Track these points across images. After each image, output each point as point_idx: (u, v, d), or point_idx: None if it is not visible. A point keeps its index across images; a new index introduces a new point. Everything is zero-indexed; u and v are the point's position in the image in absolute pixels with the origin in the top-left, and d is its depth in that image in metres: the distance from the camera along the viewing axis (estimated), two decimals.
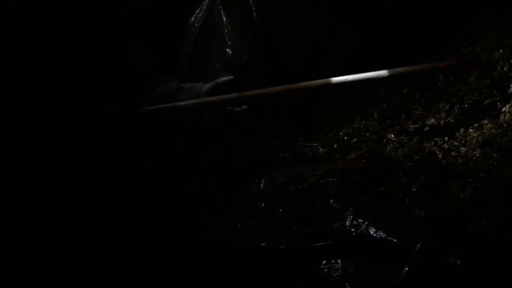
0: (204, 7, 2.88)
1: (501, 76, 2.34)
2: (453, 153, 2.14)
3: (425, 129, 2.35)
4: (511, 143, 2.00)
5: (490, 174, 1.94)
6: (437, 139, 2.26)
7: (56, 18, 2.54)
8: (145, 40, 2.74)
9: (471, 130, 2.23)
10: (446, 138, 2.25)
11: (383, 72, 2.36)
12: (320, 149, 2.54)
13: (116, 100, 2.58)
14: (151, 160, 2.49)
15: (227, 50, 2.80)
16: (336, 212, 2.00)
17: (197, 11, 2.89)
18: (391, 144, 2.31)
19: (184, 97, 2.55)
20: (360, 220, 1.91)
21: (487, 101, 2.30)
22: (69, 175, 2.36)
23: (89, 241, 2.10)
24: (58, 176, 2.35)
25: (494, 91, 2.31)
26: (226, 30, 2.81)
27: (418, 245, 1.75)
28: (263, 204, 2.21)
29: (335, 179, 2.21)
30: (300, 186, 2.26)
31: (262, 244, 1.98)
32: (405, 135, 2.37)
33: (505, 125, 2.11)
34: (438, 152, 2.17)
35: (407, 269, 1.72)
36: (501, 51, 2.42)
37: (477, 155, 2.07)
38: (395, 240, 1.80)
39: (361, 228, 1.89)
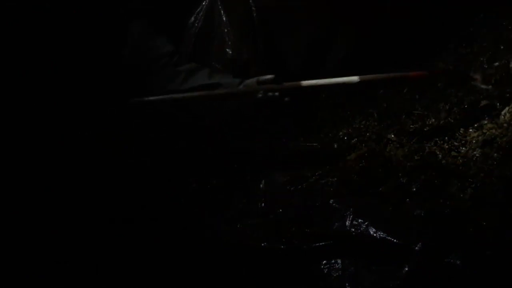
0: (204, 7, 2.88)
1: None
2: (453, 153, 2.14)
3: (425, 129, 2.35)
4: (511, 143, 2.00)
5: (490, 174, 1.94)
6: (437, 139, 2.26)
7: (56, 18, 2.54)
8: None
9: (471, 130, 2.23)
10: (446, 138, 2.25)
11: (354, 78, 2.39)
12: (320, 149, 2.54)
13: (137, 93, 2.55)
14: (151, 160, 2.49)
15: (227, 50, 2.80)
16: (336, 212, 2.00)
17: (197, 11, 2.89)
18: (391, 144, 2.31)
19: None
20: (360, 220, 1.91)
21: (486, 102, 2.30)
22: (69, 175, 2.36)
23: (89, 241, 2.10)
24: (58, 176, 2.35)
25: (494, 92, 2.31)
26: (226, 30, 2.80)
27: (418, 245, 1.75)
28: (263, 204, 2.21)
29: (335, 179, 2.21)
30: (300, 186, 2.26)
31: (262, 244, 1.98)
32: (405, 135, 2.36)
33: (505, 125, 2.11)
34: (438, 152, 2.17)
35: (407, 269, 1.72)
36: (501, 50, 2.42)
37: (477, 155, 2.07)
38: (395, 240, 1.81)
39: (361, 228, 1.89)
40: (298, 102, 2.66)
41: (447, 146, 2.20)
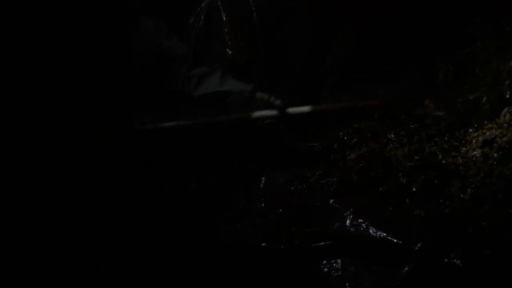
0: (204, 7, 2.88)
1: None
2: (453, 153, 2.14)
3: (425, 129, 2.35)
4: (511, 143, 2.00)
5: (490, 174, 1.94)
6: (437, 139, 2.26)
7: (56, 18, 2.54)
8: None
9: (471, 130, 2.23)
10: (446, 138, 2.25)
11: (305, 108, 2.41)
12: (320, 149, 2.54)
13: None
14: (152, 160, 2.49)
15: (227, 50, 2.80)
16: (336, 212, 2.01)
17: (197, 11, 2.90)
18: (391, 144, 2.31)
19: (234, 105, 2.53)
20: (360, 220, 1.91)
21: (486, 101, 2.30)
22: (69, 175, 2.36)
23: (89, 241, 2.10)
24: (58, 176, 2.35)
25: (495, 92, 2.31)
26: (226, 30, 2.81)
27: (418, 245, 1.75)
28: (263, 204, 2.22)
29: (335, 179, 2.22)
30: (300, 186, 2.26)
31: (262, 244, 1.98)
32: (405, 135, 2.36)
33: (505, 125, 2.11)
34: (438, 152, 2.17)
35: (407, 269, 1.72)
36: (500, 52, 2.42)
37: (477, 155, 2.07)
38: (395, 240, 1.81)
39: (361, 228, 1.89)
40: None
41: (447, 146, 2.20)
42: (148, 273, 1.98)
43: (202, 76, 2.55)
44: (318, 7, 2.87)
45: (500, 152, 2.01)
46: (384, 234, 1.84)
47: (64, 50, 2.53)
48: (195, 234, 2.12)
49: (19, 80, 2.49)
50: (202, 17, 2.86)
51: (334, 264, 1.85)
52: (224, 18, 2.82)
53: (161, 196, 2.33)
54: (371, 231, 1.87)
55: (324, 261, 1.87)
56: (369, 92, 2.64)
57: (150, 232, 2.13)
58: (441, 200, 1.93)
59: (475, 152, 2.09)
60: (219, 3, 2.84)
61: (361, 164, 2.23)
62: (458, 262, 1.68)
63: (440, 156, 2.15)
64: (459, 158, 2.10)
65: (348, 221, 1.93)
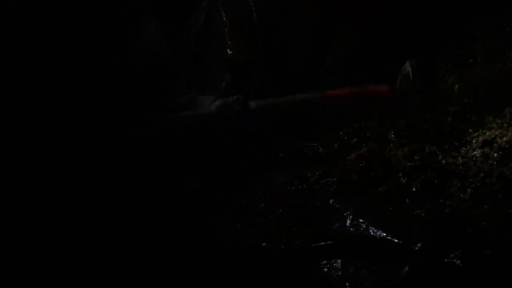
0: (204, 7, 2.88)
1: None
2: (453, 153, 2.14)
3: (425, 129, 2.35)
4: (511, 143, 2.00)
5: (490, 174, 1.94)
6: (437, 139, 2.26)
7: (56, 18, 2.54)
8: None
9: (471, 130, 2.23)
10: (446, 138, 2.25)
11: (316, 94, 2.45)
12: (320, 149, 2.54)
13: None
14: (152, 160, 2.49)
15: (227, 50, 2.80)
16: (336, 212, 2.00)
17: (197, 11, 2.90)
18: (391, 144, 2.31)
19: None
20: (360, 220, 1.91)
21: (487, 101, 2.30)
22: (69, 175, 2.36)
23: (89, 241, 2.10)
24: (58, 176, 2.35)
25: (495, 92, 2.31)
26: (226, 30, 2.81)
27: (418, 245, 1.75)
28: (263, 204, 2.21)
29: (335, 179, 2.21)
30: (300, 186, 2.26)
31: (262, 244, 1.98)
32: (405, 135, 2.36)
33: (505, 125, 2.11)
34: (438, 152, 2.17)
35: (407, 269, 1.72)
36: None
37: (477, 155, 2.06)
38: (395, 240, 1.81)
39: (361, 228, 1.89)
40: None
41: (447, 146, 2.20)
42: (148, 273, 1.98)
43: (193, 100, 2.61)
44: (318, 7, 2.87)
45: (500, 152, 2.01)
46: (384, 234, 1.84)
47: (63, 50, 2.53)
48: (195, 234, 2.12)
49: (19, 80, 2.49)
50: (202, 17, 2.86)
51: (334, 264, 1.85)
52: (224, 18, 2.82)
53: (161, 196, 2.33)
54: (371, 231, 1.86)
55: (324, 261, 1.87)
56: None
57: (150, 232, 2.13)
58: (441, 200, 1.92)
59: (475, 152, 2.09)
60: (219, 3, 2.84)
61: (361, 164, 2.22)
62: (458, 262, 1.68)
63: (440, 156, 2.15)
64: (459, 158, 2.10)
65: (348, 221, 1.93)
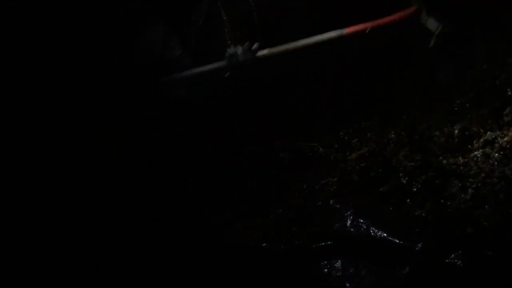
0: (205, 7, 2.88)
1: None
2: (453, 153, 2.14)
3: (425, 129, 2.35)
4: (511, 143, 2.00)
5: (490, 174, 1.94)
6: (437, 139, 2.25)
7: (56, 18, 2.54)
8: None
9: (471, 130, 2.22)
10: (447, 138, 2.24)
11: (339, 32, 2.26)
12: (320, 149, 2.54)
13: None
14: (151, 160, 2.49)
15: (227, 49, 2.80)
16: (336, 212, 2.00)
17: (197, 11, 2.90)
18: (392, 144, 2.31)
19: None
20: (360, 220, 1.91)
21: (487, 101, 2.29)
22: (69, 175, 2.36)
23: (89, 241, 2.10)
24: (58, 176, 2.35)
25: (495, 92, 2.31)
26: (226, 30, 2.81)
27: (418, 245, 1.75)
28: (263, 204, 2.21)
29: (335, 179, 2.21)
30: (300, 186, 2.26)
31: (262, 244, 1.98)
32: (405, 135, 2.36)
33: (506, 125, 2.11)
34: (438, 152, 2.16)
35: (407, 269, 1.72)
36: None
37: (478, 155, 2.06)
38: (395, 240, 1.80)
39: (361, 228, 1.89)
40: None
41: (447, 146, 2.19)
42: (148, 273, 1.98)
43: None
44: (318, 7, 2.87)
45: (501, 152, 2.01)
46: (385, 234, 1.84)
47: (63, 50, 2.53)
48: (195, 234, 2.12)
49: (19, 80, 2.49)
50: (203, 17, 2.86)
51: (334, 264, 1.85)
52: (224, 18, 2.82)
53: (161, 196, 2.33)
54: (371, 231, 1.86)
55: (324, 261, 1.87)
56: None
57: (150, 232, 2.13)
58: (441, 200, 1.92)
59: (476, 152, 2.08)
60: (219, 3, 2.84)
61: (361, 164, 2.22)
62: (458, 262, 1.68)
63: (440, 156, 2.14)
64: (459, 158, 2.10)
65: (348, 221, 1.93)
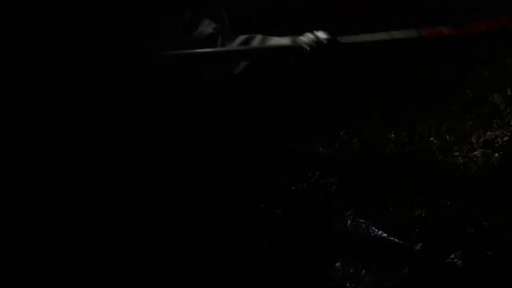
0: (205, 7, 2.88)
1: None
2: (453, 153, 2.14)
3: (425, 129, 2.35)
4: (511, 143, 2.00)
5: (491, 174, 1.94)
6: (437, 139, 2.26)
7: (56, 18, 2.53)
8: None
9: (471, 130, 2.23)
10: (447, 138, 2.25)
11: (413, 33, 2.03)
12: (320, 149, 2.53)
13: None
14: (152, 160, 2.48)
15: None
16: (336, 212, 2.00)
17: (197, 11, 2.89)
18: (392, 144, 2.31)
19: None
20: (360, 220, 1.91)
21: (487, 101, 2.30)
22: (69, 175, 2.36)
23: (89, 241, 2.10)
24: (58, 176, 2.35)
25: (495, 92, 2.31)
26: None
27: (418, 245, 1.75)
28: (263, 204, 2.21)
29: (335, 179, 2.21)
30: (300, 186, 2.26)
31: (262, 244, 1.98)
32: (405, 135, 2.36)
33: (505, 125, 2.11)
34: (438, 152, 2.17)
35: (407, 269, 1.72)
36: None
37: (478, 155, 2.06)
38: (395, 240, 1.81)
39: (361, 228, 1.89)
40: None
41: (447, 146, 2.19)
42: (148, 273, 1.98)
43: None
44: (318, 7, 2.87)
45: (501, 152, 2.01)
46: (384, 234, 1.84)
47: (63, 50, 2.53)
48: (195, 234, 2.12)
49: (19, 80, 2.49)
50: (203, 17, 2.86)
51: (334, 264, 1.85)
52: (224, 18, 2.81)
53: (161, 196, 2.33)
54: (371, 231, 1.86)
55: (324, 261, 1.87)
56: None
57: (150, 232, 2.13)
58: (441, 200, 1.92)
59: (475, 152, 2.08)
60: (219, 3, 2.84)
61: (361, 164, 2.23)
62: (458, 262, 1.68)
63: (440, 156, 2.15)
64: (459, 158, 2.10)
65: (348, 221, 1.93)
